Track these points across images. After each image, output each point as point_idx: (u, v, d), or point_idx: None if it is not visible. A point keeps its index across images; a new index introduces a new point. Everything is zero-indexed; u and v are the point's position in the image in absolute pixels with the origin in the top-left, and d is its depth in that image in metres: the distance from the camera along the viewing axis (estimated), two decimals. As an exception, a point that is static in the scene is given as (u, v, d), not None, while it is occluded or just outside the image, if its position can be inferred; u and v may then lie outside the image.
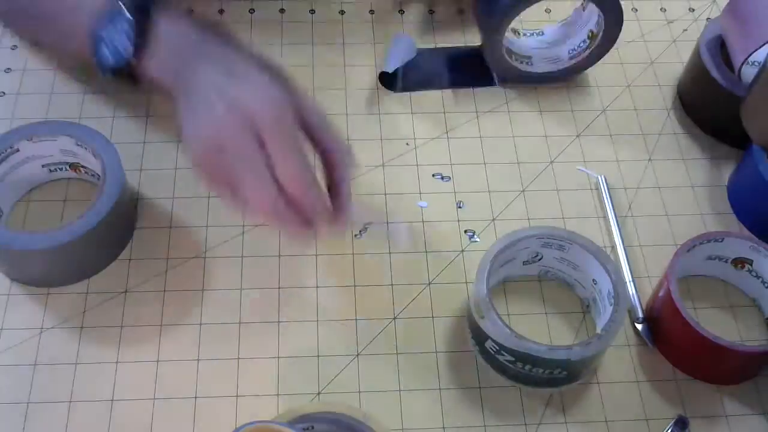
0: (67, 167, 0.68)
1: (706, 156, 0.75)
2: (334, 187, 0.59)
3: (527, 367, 0.58)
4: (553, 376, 0.59)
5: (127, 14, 0.60)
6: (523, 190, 0.71)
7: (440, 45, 0.81)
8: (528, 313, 0.64)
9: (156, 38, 0.60)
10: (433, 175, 0.72)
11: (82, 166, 0.68)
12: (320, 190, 0.57)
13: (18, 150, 0.65)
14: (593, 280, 0.62)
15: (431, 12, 0.84)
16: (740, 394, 0.61)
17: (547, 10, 0.83)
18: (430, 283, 0.66)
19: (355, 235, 0.67)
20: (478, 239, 0.67)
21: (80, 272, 0.64)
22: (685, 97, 0.78)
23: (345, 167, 0.59)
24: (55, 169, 0.68)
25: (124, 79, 0.62)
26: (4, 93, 0.75)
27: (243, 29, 0.80)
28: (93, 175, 0.68)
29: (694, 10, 0.86)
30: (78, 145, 0.65)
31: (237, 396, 0.59)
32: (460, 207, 0.70)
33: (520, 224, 0.68)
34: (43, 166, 0.67)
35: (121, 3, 0.60)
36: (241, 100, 0.56)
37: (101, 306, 0.63)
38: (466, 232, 0.68)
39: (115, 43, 0.60)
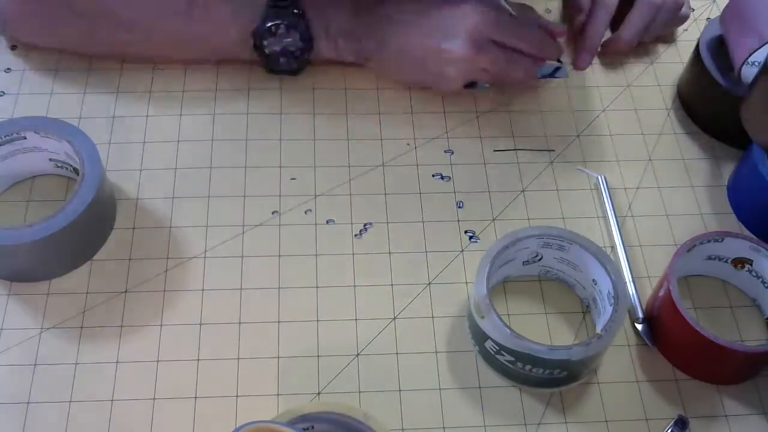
0: (71, 169, 0.68)
1: (706, 156, 0.75)
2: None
3: (527, 367, 0.58)
4: (553, 377, 0.59)
5: (287, 19, 0.71)
6: (523, 190, 0.71)
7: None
8: (528, 313, 0.64)
9: (320, 30, 0.72)
10: (433, 175, 0.72)
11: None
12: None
13: (25, 138, 0.66)
14: (593, 280, 0.62)
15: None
16: (740, 394, 0.61)
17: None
18: (430, 283, 0.66)
19: (355, 235, 0.67)
20: (478, 239, 0.67)
21: (43, 272, 0.64)
22: (685, 97, 0.78)
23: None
24: (62, 167, 0.68)
25: (298, 70, 0.76)
26: (3, 93, 0.75)
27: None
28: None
29: (694, 10, 0.86)
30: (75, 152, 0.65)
31: (237, 396, 0.59)
32: (460, 207, 0.70)
33: (520, 224, 0.68)
34: (50, 159, 0.68)
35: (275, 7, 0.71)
36: (457, 33, 0.70)
37: (101, 306, 0.63)
38: (466, 232, 0.68)
39: (287, 48, 0.73)
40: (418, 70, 0.73)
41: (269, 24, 0.71)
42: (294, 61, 0.74)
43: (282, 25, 0.71)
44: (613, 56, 0.80)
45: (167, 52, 0.75)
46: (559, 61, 0.78)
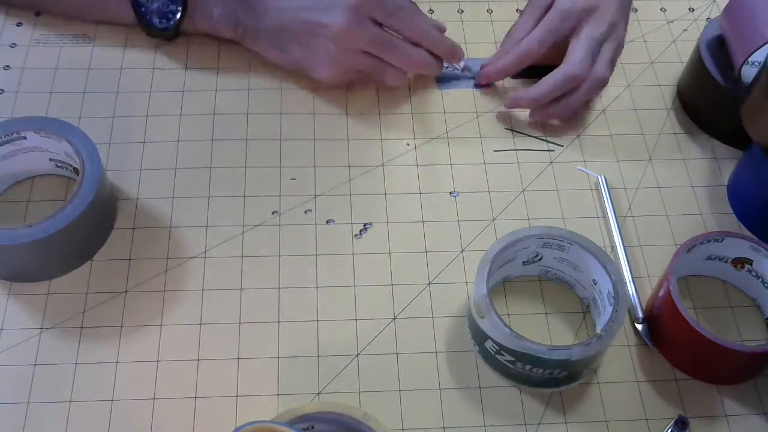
0: (71, 169, 0.68)
1: (706, 156, 0.75)
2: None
3: (527, 367, 0.58)
4: (553, 377, 0.59)
5: None
6: (523, 190, 0.71)
7: (470, 43, 0.81)
8: (528, 313, 0.64)
9: None
10: (434, 175, 0.72)
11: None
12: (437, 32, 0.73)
13: (25, 138, 0.66)
14: (593, 280, 0.62)
15: (431, 12, 0.84)
16: (740, 394, 0.61)
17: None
18: (430, 283, 0.66)
19: (355, 235, 0.67)
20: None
21: (43, 272, 0.64)
22: (685, 97, 0.78)
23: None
24: (62, 167, 0.68)
25: (171, 35, 0.75)
26: (3, 90, 0.75)
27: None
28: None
29: (694, 10, 0.86)
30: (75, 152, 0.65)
31: (237, 396, 0.59)
32: (457, 205, 0.70)
33: (520, 224, 0.68)
34: (50, 159, 0.68)
35: None
36: (335, 7, 0.68)
37: (101, 306, 0.63)
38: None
39: (161, 8, 0.72)
40: (294, 48, 0.72)
41: None
42: (169, 24, 0.74)
43: None
44: (513, 107, 0.75)
45: None
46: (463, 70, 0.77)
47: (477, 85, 0.78)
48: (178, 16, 0.73)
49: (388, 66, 0.72)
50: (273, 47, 0.73)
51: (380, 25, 0.70)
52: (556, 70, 0.72)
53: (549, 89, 0.72)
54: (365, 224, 0.68)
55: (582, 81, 0.72)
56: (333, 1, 0.69)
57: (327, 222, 0.68)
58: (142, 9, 0.74)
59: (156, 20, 0.74)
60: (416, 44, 0.73)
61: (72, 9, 0.78)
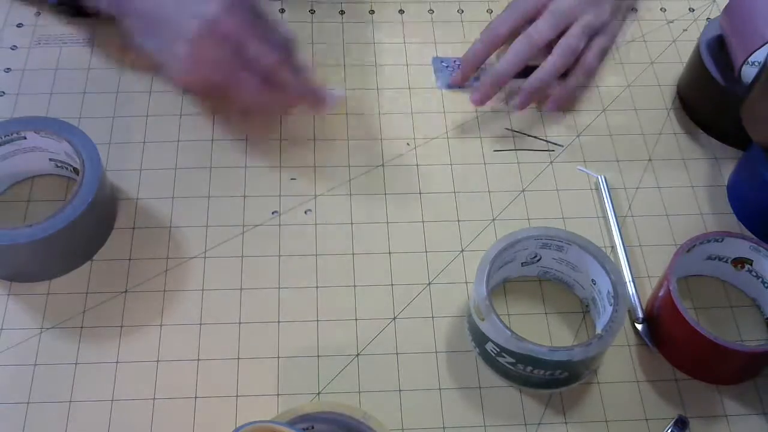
0: (71, 169, 0.68)
1: (706, 156, 0.75)
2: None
3: (528, 368, 0.58)
4: (554, 377, 0.59)
5: None
6: (523, 190, 0.71)
7: (440, 44, 0.81)
8: (528, 314, 0.64)
9: None
10: (434, 175, 0.72)
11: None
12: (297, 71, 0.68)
13: (25, 138, 0.66)
14: (592, 280, 0.62)
15: (431, 12, 0.84)
16: (740, 394, 0.61)
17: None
18: (430, 283, 0.66)
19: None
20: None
21: (43, 272, 0.64)
22: (685, 97, 0.78)
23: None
24: (62, 167, 0.68)
25: (68, 11, 0.74)
26: (3, 93, 0.75)
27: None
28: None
29: (694, 10, 0.86)
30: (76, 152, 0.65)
31: (237, 396, 0.59)
32: (458, 206, 0.70)
33: (520, 224, 0.68)
34: (50, 159, 0.68)
35: None
36: (203, 14, 0.63)
37: (101, 306, 0.63)
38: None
39: None
40: (153, 40, 0.67)
41: None
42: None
43: None
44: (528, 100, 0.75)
45: None
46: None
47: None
48: None
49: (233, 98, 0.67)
50: (137, 31, 0.68)
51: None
52: (517, 38, 0.72)
53: (513, 57, 0.72)
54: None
55: (540, 46, 0.72)
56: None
57: (327, 222, 0.68)
58: None
59: None
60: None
61: None
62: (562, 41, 0.72)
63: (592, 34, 0.74)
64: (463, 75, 0.76)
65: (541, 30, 0.72)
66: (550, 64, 0.73)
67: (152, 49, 0.68)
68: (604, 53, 0.75)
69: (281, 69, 0.66)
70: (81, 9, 0.75)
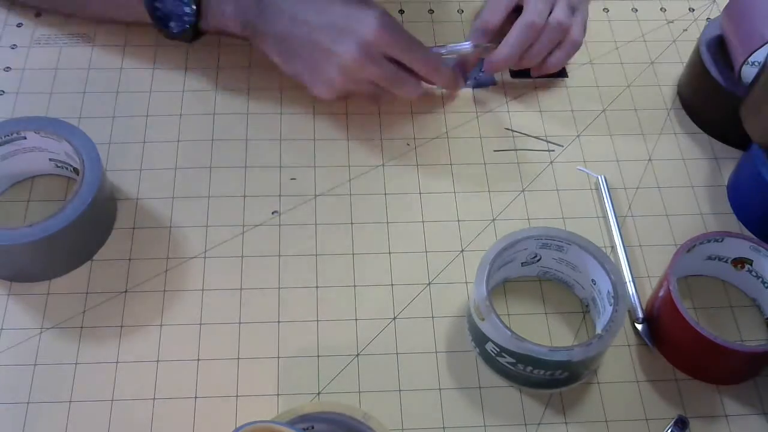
0: (71, 169, 0.68)
1: (706, 156, 0.75)
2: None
3: (528, 368, 0.58)
4: (554, 378, 0.59)
5: None
6: (523, 190, 0.71)
7: (440, 44, 0.81)
8: (528, 314, 0.64)
9: None
10: (434, 176, 0.72)
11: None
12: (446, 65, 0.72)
13: (25, 138, 0.66)
14: (592, 280, 0.62)
15: (431, 12, 0.84)
16: (740, 394, 0.61)
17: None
18: (430, 283, 0.66)
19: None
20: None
21: (43, 272, 0.64)
22: (685, 97, 0.78)
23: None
24: (62, 167, 0.68)
25: (188, 37, 0.73)
26: (3, 92, 0.75)
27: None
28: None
29: (694, 10, 0.86)
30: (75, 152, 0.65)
31: (237, 396, 0.59)
32: (458, 206, 0.70)
33: (520, 224, 0.68)
34: (50, 159, 0.68)
35: None
36: (350, 36, 0.66)
37: (101, 306, 0.63)
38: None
39: (176, 11, 0.70)
40: (298, 62, 0.70)
41: None
42: (184, 25, 0.71)
43: None
44: (493, 71, 0.76)
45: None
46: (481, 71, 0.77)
47: (477, 86, 0.78)
48: (194, 17, 0.71)
49: (391, 94, 0.71)
50: (278, 53, 0.71)
51: (391, 59, 0.68)
52: (514, 24, 0.73)
53: (513, 44, 0.73)
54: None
55: (541, 28, 0.73)
56: (348, 27, 0.67)
57: (327, 222, 0.68)
58: (157, 13, 0.71)
59: (172, 24, 0.72)
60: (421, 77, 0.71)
61: (95, 10, 0.78)
62: (552, 19, 0.73)
63: (574, 10, 0.76)
64: (461, 72, 0.76)
65: (541, 11, 0.73)
66: (545, 40, 0.74)
67: (295, 72, 0.70)
68: (585, 28, 0.77)
69: (434, 72, 0.71)
70: (201, 31, 0.73)
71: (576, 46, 0.76)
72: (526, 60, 0.75)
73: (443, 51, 0.75)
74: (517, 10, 0.75)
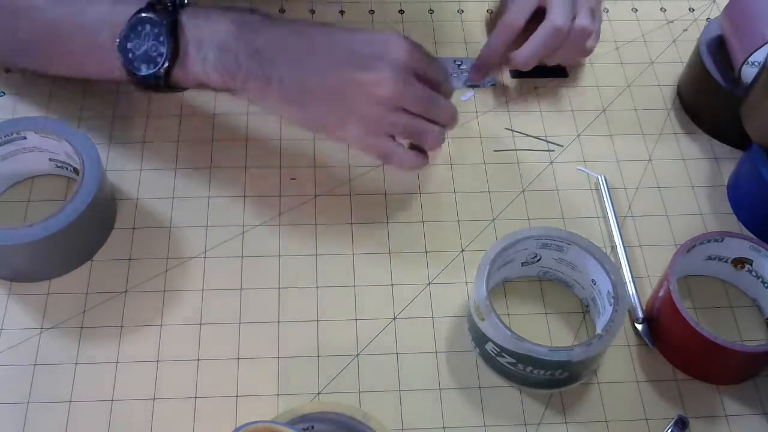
0: (71, 169, 0.68)
1: (706, 156, 0.75)
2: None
3: (528, 368, 0.58)
4: (554, 378, 0.59)
5: (154, 16, 0.60)
6: (523, 190, 0.71)
7: (440, 44, 0.81)
8: (528, 314, 0.64)
9: (191, 40, 0.61)
10: (433, 175, 0.72)
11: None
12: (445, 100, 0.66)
13: (25, 138, 0.66)
14: (592, 280, 0.62)
15: (430, 12, 0.84)
16: (740, 394, 0.61)
17: None
18: (430, 283, 0.66)
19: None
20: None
21: (43, 272, 0.64)
22: (685, 97, 0.78)
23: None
24: (62, 167, 0.68)
25: (162, 89, 0.63)
26: (4, 93, 0.75)
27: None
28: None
29: (694, 10, 0.86)
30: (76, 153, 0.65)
31: (237, 396, 0.59)
32: (459, 206, 0.70)
33: (520, 224, 0.68)
34: (50, 159, 0.68)
35: (144, 13, 0.60)
36: (381, 61, 0.60)
37: (101, 306, 0.63)
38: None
39: (148, 52, 0.61)
40: (318, 106, 0.62)
41: (135, 19, 0.61)
42: (156, 69, 0.61)
43: (147, 23, 0.60)
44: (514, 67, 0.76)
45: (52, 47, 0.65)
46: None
47: (473, 85, 0.78)
48: (167, 60, 0.61)
49: (428, 125, 0.64)
50: (288, 102, 0.62)
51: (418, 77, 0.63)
52: (540, 27, 0.73)
53: (538, 46, 0.73)
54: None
55: (567, 33, 0.73)
56: (376, 53, 0.60)
57: (326, 222, 0.68)
58: (129, 55, 0.61)
59: (143, 66, 0.61)
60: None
61: (60, 66, 0.68)
62: (577, 24, 0.73)
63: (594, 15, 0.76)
64: (482, 70, 0.77)
65: (567, 16, 0.73)
66: (569, 45, 0.74)
67: (315, 117, 0.63)
68: (599, 35, 0.78)
69: (452, 119, 0.67)
70: (175, 82, 0.63)
71: (590, 52, 0.77)
72: (544, 60, 0.75)
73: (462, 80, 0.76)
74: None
